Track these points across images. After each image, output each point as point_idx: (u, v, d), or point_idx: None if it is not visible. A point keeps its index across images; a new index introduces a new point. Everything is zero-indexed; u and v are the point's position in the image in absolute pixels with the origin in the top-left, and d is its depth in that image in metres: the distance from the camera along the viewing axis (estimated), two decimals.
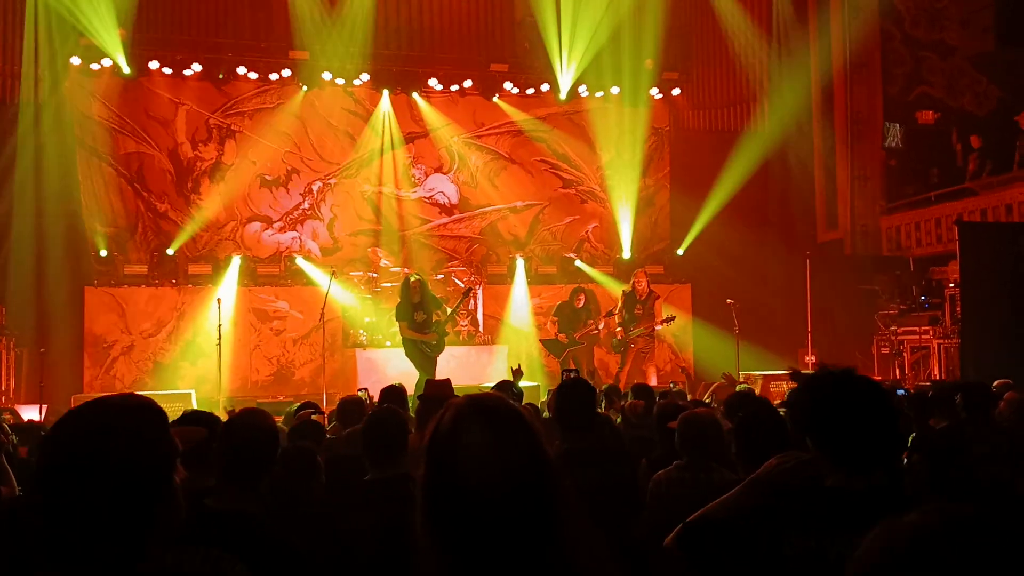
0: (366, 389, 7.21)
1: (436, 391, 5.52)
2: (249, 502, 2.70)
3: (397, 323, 10.29)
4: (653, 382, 10.79)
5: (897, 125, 14.97)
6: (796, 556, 2.06)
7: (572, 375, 7.12)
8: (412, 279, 10.29)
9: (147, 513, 1.60)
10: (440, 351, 10.19)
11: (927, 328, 12.28)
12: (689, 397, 8.29)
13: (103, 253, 12.49)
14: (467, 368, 11.56)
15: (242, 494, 2.71)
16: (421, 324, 10.03)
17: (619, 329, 11.40)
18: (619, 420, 5.98)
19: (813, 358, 12.13)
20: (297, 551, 2.59)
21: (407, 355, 10.16)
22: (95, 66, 12.45)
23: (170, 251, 12.82)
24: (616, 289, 12.94)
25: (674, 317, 11.60)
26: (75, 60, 12.35)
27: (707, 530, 2.68)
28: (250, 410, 3.07)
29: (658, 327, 11.50)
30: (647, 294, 11.35)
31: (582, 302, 11.48)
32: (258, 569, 2.41)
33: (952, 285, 11.97)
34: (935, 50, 15.21)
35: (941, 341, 11.99)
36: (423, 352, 10.05)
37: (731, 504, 2.82)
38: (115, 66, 12.46)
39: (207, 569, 2.38)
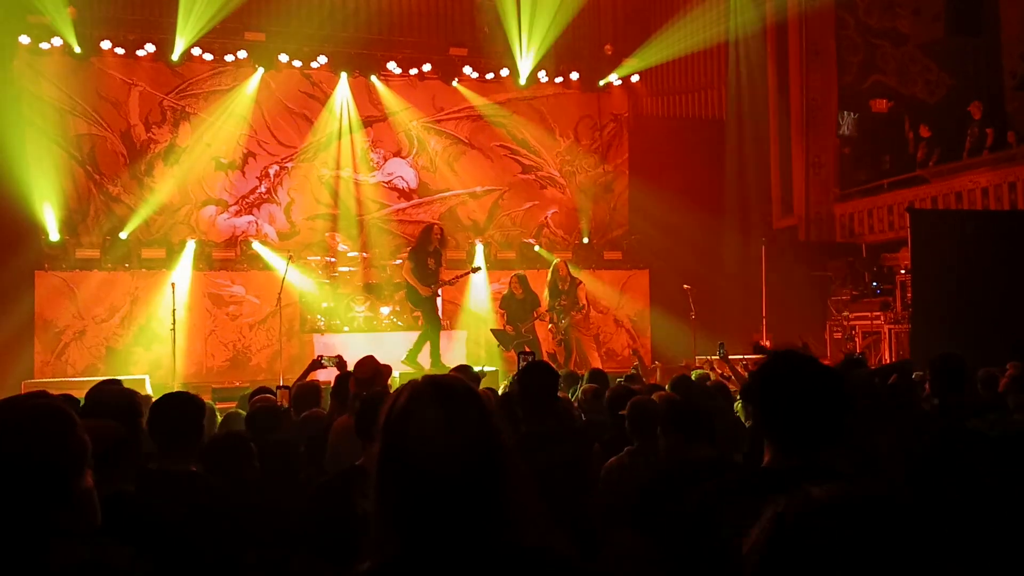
0: (321, 357, 7.14)
1: (370, 371, 5.39)
2: (189, 463, 3.12)
3: (403, 262, 10.98)
4: (598, 364, 10.94)
5: (851, 113, 15.17)
6: (736, 535, 2.09)
7: (529, 358, 7.15)
8: (436, 226, 11.02)
9: (45, 517, 1.58)
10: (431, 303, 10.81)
11: (878, 313, 12.48)
12: (646, 380, 8.36)
13: (54, 237, 12.26)
14: (426, 352, 11.53)
15: (181, 459, 3.12)
16: (426, 274, 10.63)
17: (551, 326, 11.47)
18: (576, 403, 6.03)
19: (767, 343, 12.29)
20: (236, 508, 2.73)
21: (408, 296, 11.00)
22: (45, 45, 12.16)
23: (123, 235, 12.61)
24: (575, 274, 13.01)
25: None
26: (24, 39, 12.06)
27: None
28: (173, 394, 3.43)
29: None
30: (568, 282, 11.41)
31: (521, 291, 11.52)
32: (200, 522, 2.50)
33: (903, 271, 12.17)
34: (888, 38, 15.41)
35: (892, 326, 12.20)
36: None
37: None
38: (65, 45, 12.19)
39: (93, 558, 2.38)
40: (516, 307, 11.52)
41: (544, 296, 11.57)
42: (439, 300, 12.72)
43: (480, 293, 13.69)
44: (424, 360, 10.81)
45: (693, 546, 2.22)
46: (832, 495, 1.23)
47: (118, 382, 4.23)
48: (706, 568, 2.16)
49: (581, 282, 11.72)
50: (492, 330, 12.12)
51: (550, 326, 11.49)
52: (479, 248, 13.87)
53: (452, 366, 10.18)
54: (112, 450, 2.56)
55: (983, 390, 5.80)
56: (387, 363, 5.80)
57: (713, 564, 2.13)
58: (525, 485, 1.59)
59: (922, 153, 13.98)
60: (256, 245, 13.06)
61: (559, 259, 11.98)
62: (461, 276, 11.78)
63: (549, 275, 11.60)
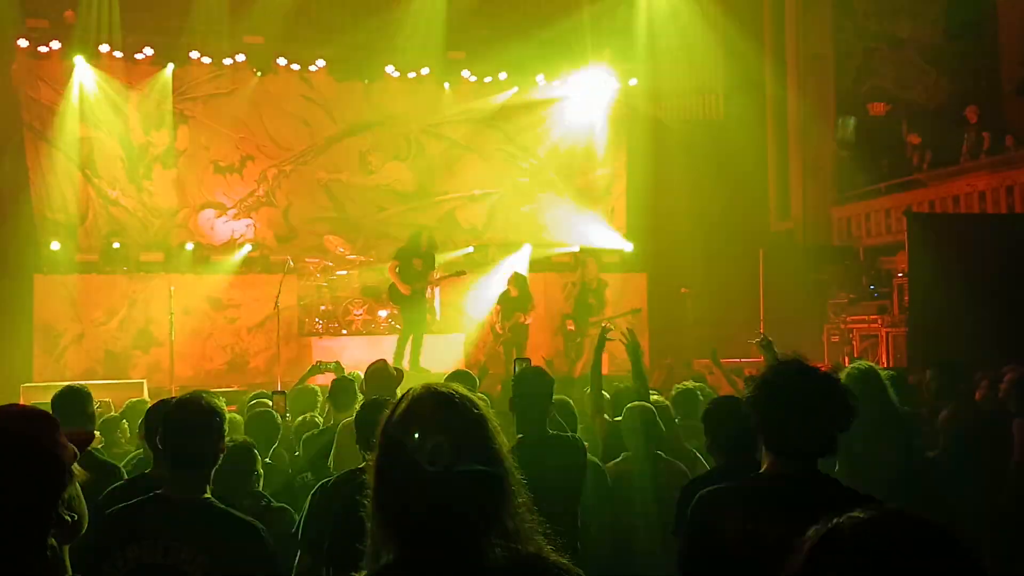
0: (320, 362, 7.13)
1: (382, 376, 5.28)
2: (200, 489, 2.69)
3: (391, 261, 11.01)
4: (606, 368, 10.88)
5: (848, 117, 15.17)
6: (736, 539, 2.11)
7: (524, 363, 7.13)
8: (424, 234, 11.09)
9: (44, 521, 1.59)
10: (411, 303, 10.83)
11: (875, 317, 12.49)
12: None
13: (54, 245, 12.24)
14: (424, 356, 11.53)
15: (193, 482, 2.68)
16: (410, 274, 10.70)
17: (569, 320, 11.42)
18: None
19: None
20: (260, 537, 2.62)
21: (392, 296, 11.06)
22: (43, 49, 12.17)
23: (119, 241, 12.59)
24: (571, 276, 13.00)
25: (640, 309, 11.63)
26: (23, 42, 12.07)
27: None
28: (188, 398, 2.96)
29: (621, 318, 11.60)
30: (597, 283, 11.36)
31: (515, 291, 11.50)
32: (219, 556, 2.45)
33: (900, 275, 12.17)
34: (886, 42, 15.42)
35: (889, 329, 12.20)
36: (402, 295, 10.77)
37: None
38: (64, 49, 12.19)
39: (168, 563, 2.41)
40: (508, 305, 11.47)
41: (575, 295, 11.49)
42: (436, 302, 12.75)
43: (479, 296, 13.67)
44: (427, 362, 10.82)
45: (695, 548, 2.24)
46: (877, 516, 1.21)
47: (83, 388, 4.31)
48: (708, 569, 2.18)
49: (608, 284, 11.67)
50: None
51: (568, 320, 11.39)
52: (469, 251, 13.81)
53: (421, 368, 10.36)
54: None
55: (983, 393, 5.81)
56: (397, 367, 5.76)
57: (715, 566, 2.15)
58: (520, 493, 1.60)
59: (916, 159, 14.02)
60: (254, 248, 13.04)
61: (590, 258, 11.93)
62: (446, 277, 11.71)
63: (578, 273, 11.55)
